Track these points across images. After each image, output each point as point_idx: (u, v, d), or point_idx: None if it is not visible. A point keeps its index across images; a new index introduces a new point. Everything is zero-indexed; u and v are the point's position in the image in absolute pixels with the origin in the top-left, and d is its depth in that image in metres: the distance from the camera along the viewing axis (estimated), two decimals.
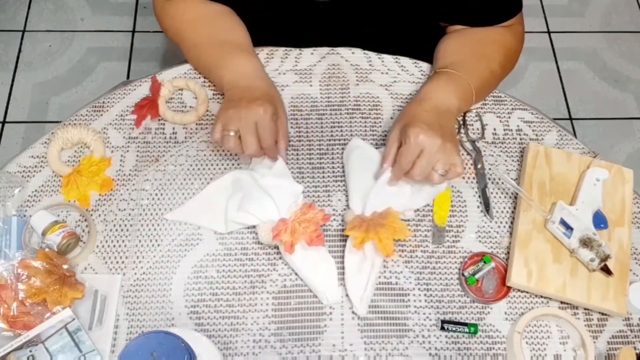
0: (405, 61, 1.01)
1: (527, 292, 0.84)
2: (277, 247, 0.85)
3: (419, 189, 0.86)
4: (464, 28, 0.97)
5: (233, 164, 0.91)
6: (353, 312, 0.82)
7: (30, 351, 0.74)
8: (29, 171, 0.90)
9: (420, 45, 1.01)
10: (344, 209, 0.88)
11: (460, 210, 0.89)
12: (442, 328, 0.81)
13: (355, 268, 0.82)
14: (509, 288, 0.83)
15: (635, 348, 0.81)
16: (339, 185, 0.90)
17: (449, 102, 0.85)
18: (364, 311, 0.81)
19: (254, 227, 0.85)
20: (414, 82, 0.99)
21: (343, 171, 0.91)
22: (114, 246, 0.85)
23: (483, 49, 0.93)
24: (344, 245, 0.85)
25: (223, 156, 0.92)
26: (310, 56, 1.01)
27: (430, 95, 0.85)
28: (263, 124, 0.81)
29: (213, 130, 0.83)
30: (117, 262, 0.84)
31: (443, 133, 0.80)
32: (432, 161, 0.79)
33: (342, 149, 0.93)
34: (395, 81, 0.99)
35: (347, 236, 0.82)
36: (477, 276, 0.83)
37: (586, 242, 0.82)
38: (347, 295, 0.82)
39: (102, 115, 0.95)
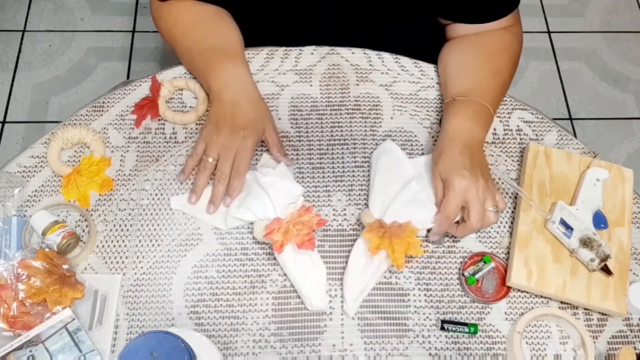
0: (405, 61, 1.01)
1: (527, 292, 0.84)
2: None
3: None
4: (467, 34, 0.96)
5: None
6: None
7: (30, 351, 0.74)
8: (29, 171, 0.90)
9: (420, 44, 1.01)
10: (344, 209, 0.88)
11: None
12: (442, 328, 0.81)
13: (360, 268, 0.82)
14: (509, 288, 0.83)
15: (635, 348, 0.81)
16: (339, 185, 0.90)
17: (478, 137, 0.85)
18: (353, 312, 0.81)
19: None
20: (414, 82, 0.99)
21: (344, 171, 0.91)
22: (114, 246, 0.85)
23: (496, 64, 0.92)
24: (343, 245, 0.85)
25: None
26: (310, 56, 1.01)
27: (460, 135, 0.84)
28: (241, 155, 0.85)
29: (194, 152, 0.87)
30: (117, 262, 0.84)
31: (481, 172, 0.80)
32: (482, 203, 0.79)
33: (342, 149, 0.93)
34: (395, 81, 0.99)
35: (349, 237, 0.82)
36: (477, 276, 0.83)
37: (586, 242, 0.82)
38: (341, 290, 0.82)
39: (102, 115, 0.95)
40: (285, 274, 0.83)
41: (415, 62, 1.01)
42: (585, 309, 0.83)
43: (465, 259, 0.85)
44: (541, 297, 0.83)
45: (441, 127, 0.88)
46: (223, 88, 0.88)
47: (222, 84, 0.88)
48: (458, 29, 0.97)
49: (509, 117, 0.98)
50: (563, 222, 0.83)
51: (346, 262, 0.84)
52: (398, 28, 1.02)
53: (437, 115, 0.97)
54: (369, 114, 0.96)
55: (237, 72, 0.90)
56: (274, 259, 0.84)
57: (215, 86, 0.89)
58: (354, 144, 0.94)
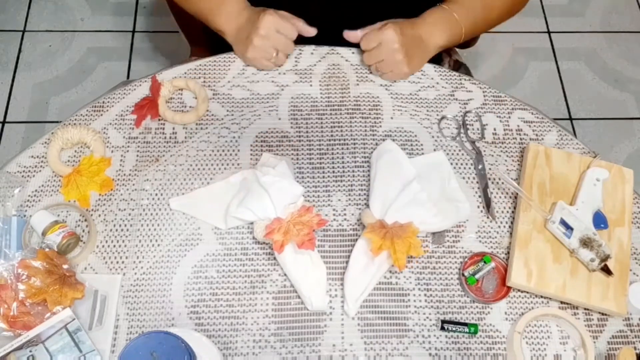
0: None
1: (527, 292, 0.84)
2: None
3: (444, 213, 0.86)
4: None
5: (233, 164, 0.91)
6: None
7: (30, 351, 0.74)
8: (29, 171, 0.90)
9: None
10: (344, 209, 0.88)
11: None
12: (442, 328, 0.81)
13: (361, 269, 0.82)
14: (509, 288, 0.83)
15: (635, 348, 0.81)
16: (339, 185, 0.90)
17: (432, 35, 0.94)
18: (354, 312, 0.81)
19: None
20: (414, 82, 0.99)
21: (344, 171, 0.91)
22: (114, 246, 0.85)
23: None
24: (343, 245, 0.85)
25: (223, 156, 0.92)
26: (310, 56, 1.01)
27: (419, 25, 0.94)
28: (281, 26, 0.92)
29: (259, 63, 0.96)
30: (117, 262, 0.84)
31: (413, 58, 0.93)
32: (382, 57, 0.93)
33: (342, 149, 0.93)
34: (395, 81, 0.99)
35: (349, 237, 0.82)
36: (477, 276, 0.83)
37: (586, 242, 0.82)
38: (342, 290, 0.82)
39: (102, 115, 0.95)
40: (285, 274, 0.83)
41: None
42: (585, 309, 0.83)
43: (465, 259, 0.85)
44: (541, 297, 0.84)
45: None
46: (235, 27, 0.96)
47: (232, 24, 0.96)
48: None
49: (509, 117, 0.98)
50: (563, 222, 0.83)
51: (347, 262, 0.84)
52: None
53: (437, 115, 0.97)
54: (369, 114, 0.96)
55: (238, 4, 0.96)
56: (274, 259, 0.84)
57: (227, 28, 0.97)
58: (354, 144, 0.94)
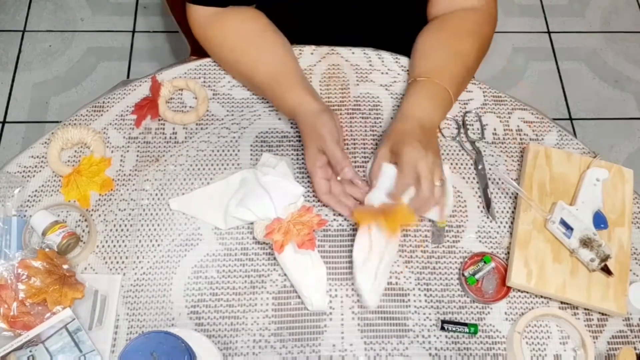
0: (405, 61, 1.01)
1: (527, 292, 0.84)
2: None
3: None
4: (441, 14, 0.96)
5: (233, 164, 0.91)
6: (353, 312, 0.82)
7: (30, 351, 0.74)
8: (29, 171, 0.90)
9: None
10: None
11: (461, 210, 0.89)
12: (442, 328, 0.81)
13: (362, 260, 0.81)
14: (509, 288, 0.83)
15: (635, 348, 0.81)
16: None
17: (432, 118, 0.86)
18: (374, 302, 0.80)
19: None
20: None
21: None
22: (114, 246, 0.85)
23: (461, 46, 0.92)
24: (343, 245, 0.86)
25: (223, 156, 0.92)
26: (310, 56, 1.01)
27: (413, 113, 0.85)
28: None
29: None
30: (117, 262, 0.84)
31: (432, 150, 0.81)
32: (432, 177, 0.80)
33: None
34: (395, 81, 0.99)
35: (350, 237, 0.82)
36: (477, 276, 0.83)
37: (586, 242, 0.82)
38: (344, 289, 0.81)
39: (102, 115, 0.95)
40: (285, 274, 0.83)
41: None
42: (585, 309, 0.83)
43: (465, 259, 0.85)
44: (541, 297, 0.84)
45: (399, 106, 0.88)
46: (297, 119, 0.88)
47: (293, 116, 0.89)
48: (432, 9, 0.97)
49: (509, 117, 0.98)
50: (563, 222, 0.83)
51: (347, 263, 0.84)
52: (398, 27, 1.02)
53: None
54: (369, 114, 0.96)
55: (308, 102, 0.87)
56: (274, 259, 0.84)
57: (302, 125, 0.87)
58: (354, 144, 0.94)
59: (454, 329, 0.81)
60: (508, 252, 0.86)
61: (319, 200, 0.86)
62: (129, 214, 0.87)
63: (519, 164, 0.94)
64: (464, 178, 0.92)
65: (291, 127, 0.95)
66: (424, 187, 0.79)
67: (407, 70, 0.99)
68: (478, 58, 0.94)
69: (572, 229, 0.83)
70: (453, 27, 0.94)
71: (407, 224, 0.80)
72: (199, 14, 0.94)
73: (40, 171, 0.90)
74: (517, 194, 0.90)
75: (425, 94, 0.87)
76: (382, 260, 0.80)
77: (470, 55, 0.92)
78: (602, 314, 0.83)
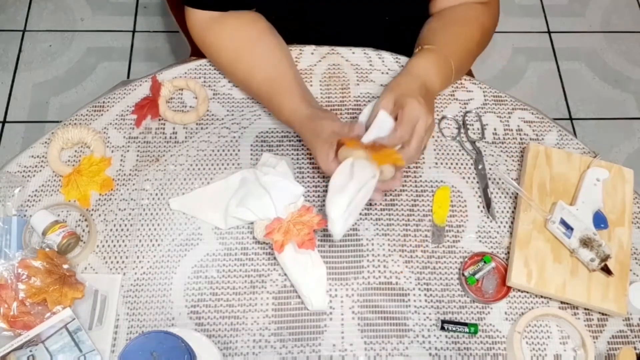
0: (405, 61, 1.01)
1: (527, 292, 0.84)
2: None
3: None
4: (445, 9, 0.97)
5: (233, 164, 0.91)
6: (353, 312, 0.82)
7: (30, 351, 0.74)
8: (29, 171, 0.90)
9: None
10: None
11: (461, 210, 0.89)
12: (442, 328, 0.81)
13: (339, 186, 0.77)
14: (509, 288, 0.83)
15: (635, 348, 0.81)
16: None
17: (434, 83, 0.87)
18: (340, 232, 0.75)
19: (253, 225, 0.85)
20: None
21: None
22: (114, 246, 0.85)
23: (464, 29, 0.94)
24: (343, 245, 0.86)
25: (223, 156, 0.92)
26: (310, 56, 1.01)
27: (419, 72, 0.86)
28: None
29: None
30: (117, 262, 0.84)
31: (431, 113, 0.81)
32: (425, 136, 0.80)
33: None
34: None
35: (350, 237, 0.82)
36: (477, 276, 0.83)
37: (586, 242, 0.82)
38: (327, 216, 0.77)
39: (102, 115, 0.95)
40: (285, 274, 0.83)
41: None
42: (585, 309, 0.83)
43: (465, 259, 0.85)
44: (541, 297, 0.84)
45: (404, 66, 0.89)
46: (303, 127, 0.86)
47: (291, 125, 0.89)
48: (438, 3, 0.98)
49: (509, 117, 0.98)
50: (563, 222, 0.83)
51: (347, 262, 0.84)
52: (398, 27, 1.02)
53: (437, 115, 0.97)
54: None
55: (304, 108, 0.87)
56: (274, 259, 0.84)
57: (297, 127, 0.88)
58: None
59: (454, 328, 0.81)
60: (508, 252, 0.86)
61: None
62: (129, 214, 0.87)
63: (519, 164, 0.94)
64: (464, 178, 0.92)
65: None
66: (414, 144, 0.78)
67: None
68: (479, 46, 0.96)
69: (572, 229, 0.83)
70: (459, 15, 0.96)
71: (393, 164, 0.78)
72: (197, 18, 0.94)
73: (40, 171, 0.90)
74: (517, 194, 0.90)
75: (431, 60, 0.88)
76: (359, 193, 0.76)
77: (473, 40, 0.94)
78: (602, 314, 0.83)
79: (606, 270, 0.81)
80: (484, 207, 0.90)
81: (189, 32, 0.97)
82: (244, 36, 0.93)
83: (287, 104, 0.88)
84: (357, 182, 0.76)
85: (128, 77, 1.88)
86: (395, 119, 0.80)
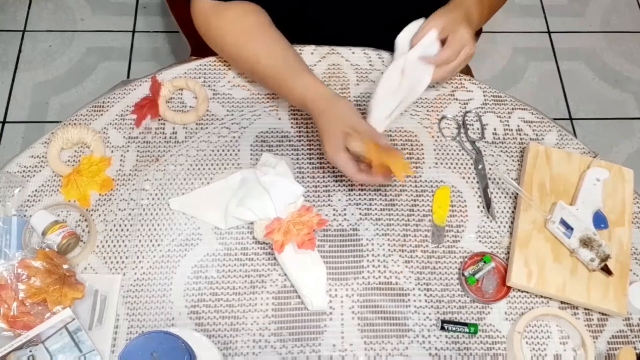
0: None
1: (527, 292, 0.84)
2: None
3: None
4: None
5: (233, 164, 0.91)
6: (353, 312, 0.82)
7: (30, 351, 0.74)
8: (29, 171, 0.90)
9: None
10: (344, 209, 0.88)
11: (460, 210, 0.89)
12: (442, 328, 0.81)
13: (387, 89, 0.84)
14: (509, 288, 0.83)
15: (635, 348, 0.81)
16: (339, 185, 0.90)
17: (473, 17, 0.91)
18: (382, 128, 0.83)
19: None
20: None
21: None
22: (114, 246, 0.85)
23: None
24: (343, 245, 0.86)
25: (223, 156, 0.92)
26: (310, 56, 1.01)
27: (464, 4, 0.90)
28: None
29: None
30: (117, 262, 0.84)
31: (474, 41, 0.88)
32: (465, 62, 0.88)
33: None
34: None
35: (350, 237, 0.82)
36: (477, 276, 0.83)
37: (586, 242, 0.82)
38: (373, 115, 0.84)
39: (102, 115, 0.95)
40: (285, 274, 0.83)
41: None
42: (585, 309, 0.83)
43: (465, 259, 0.85)
44: (541, 297, 0.83)
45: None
46: (320, 107, 0.85)
47: (318, 103, 0.86)
48: None
49: (509, 117, 0.98)
50: (563, 222, 0.83)
51: (347, 261, 0.84)
52: (398, 27, 1.02)
53: (437, 115, 0.97)
54: None
55: (315, 86, 0.87)
56: (274, 259, 0.84)
57: (313, 107, 0.86)
58: None
59: (454, 328, 0.81)
60: (508, 252, 0.86)
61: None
62: (129, 214, 0.87)
63: (519, 164, 0.94)
64: (464, 178, 0.92)
65: (291, 127, 0.95)
66: (453, 66, 0.86)
67: None
68: (492, 8, 1.01)
69: (572, 229, 0.83)
70: None
71: (402, 170, 0.79)
72: (201, 7, 0.94)
73: (40, 171, 0.90)
74: (517, 194, 0.90)
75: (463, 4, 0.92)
76: (406, 100, 0.85)
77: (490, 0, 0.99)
78: (602, 314, 0.83)
79: (606, 270, 0.81)
80: (484, 207, 0.90)
81: (193, 21, 0.97)
82: (248, 24, 0.93)
83: (300, 81, 0.87)
84: (404, 89, 0.84)
85: (128, 77, 1.88)
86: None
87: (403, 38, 0.88)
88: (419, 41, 0.85)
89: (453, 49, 0.85)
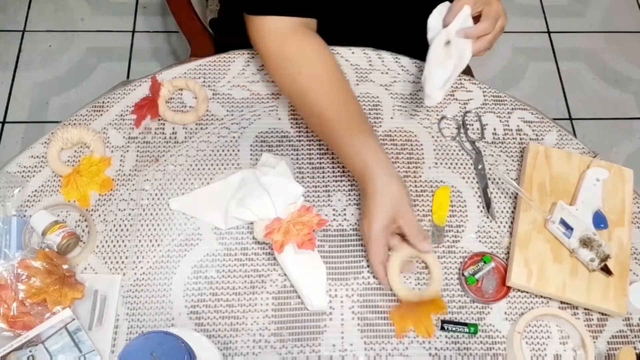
0: (405, 61, 1.01)
1: (527, 292, 0.84)
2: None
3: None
4: None
5: (233, 164, 0.91)
6: (353, 312, 0.82)
7: (30, 351, 0.74)
8: (29, 171, 0.90)
9: (420, 44, 1.01)
10: (344, 209, 0.88)
11: (460, 210, 0.89)
12: (442, 328, 0.81)
13: (442, 55, 0.84)
14: (509, 288, 0.83)
15: (635, 348, 0.81)
16: (339, 185, 0.90)
17: None
18: (439, 98, 0.84)
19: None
20: (413, 81, 0.99)
21: (344, 171, 0.91)
22: (114, 246, 0.85)
23: None
24: (343, 245, 0.86)
25: (223, 156, 0.92)
26: None
27: None
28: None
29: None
30: (117, 262, 0.84)
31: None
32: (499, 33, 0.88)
33: None
34: (395, 81, 0.99)
35: (349, 237, 0.82)
36: (477, 276, 0.83)
37: (586, 242, 0.82)
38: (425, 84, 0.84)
39: (102, 115, 0.95)
40: (285, 274, 0.83)
41: (415, 62, 1.01)
42: (585, 309, 0.83)
43: (465, 259, 0.85)
44: (541, 297, 0.83)
45: None
46: (378, 180, 0.81)
47: (361, 174, 0.82)
48: None
49: (509, 117, 0.98)
50: (563, 222, 0.83)
51: (346, 261, 0.83)
52: (398, 27, 1.02)
53: (437, 115, 0.97)
54: (369, 113, 0.96)
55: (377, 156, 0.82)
56: (274, 259, 0.84)
57: (374, 180, 0.81)
58: None
59: (453, 328, 0.81)
60: (508, 252, 0.86)
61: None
62: (129, 214, 0.87)
63: (519, 164, 0.94)
64: (463, 178, 0.92)
65: (291, 127, 0.95)
66: (491, 37, 0.87)
67: (407, 70, 0.99)
68: None
69: (572, 229, 0.83)
70: None
71: (439, 312, 0.82)
72: (275, 28, 0.87)
73: (40, 171, 0.90)
74: (517, 194, 0.90)
75: None
76: (455, 70, 0.85)
77: None
78: (602, 314, 0.83)
79: (606, 270, 0.81)
80: (483, 207, 0.90)
81: (255, 43, 0.90)
82: (325, 58, 0.89)
83: (361, 148, 0.82)
84: (455, 58, 0.85)
85: (128, 77, 1.88)
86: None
87: (435, 17, 0.88)
88: (454, 18, 0.85)
89: (490, 20, 0.86)
